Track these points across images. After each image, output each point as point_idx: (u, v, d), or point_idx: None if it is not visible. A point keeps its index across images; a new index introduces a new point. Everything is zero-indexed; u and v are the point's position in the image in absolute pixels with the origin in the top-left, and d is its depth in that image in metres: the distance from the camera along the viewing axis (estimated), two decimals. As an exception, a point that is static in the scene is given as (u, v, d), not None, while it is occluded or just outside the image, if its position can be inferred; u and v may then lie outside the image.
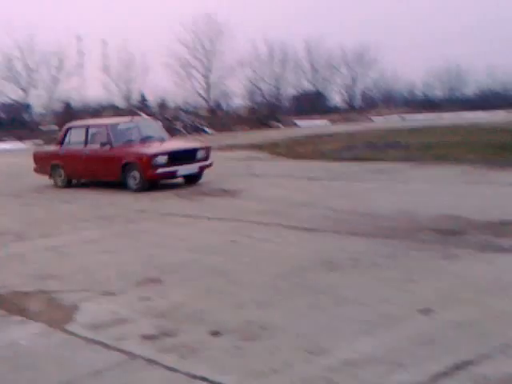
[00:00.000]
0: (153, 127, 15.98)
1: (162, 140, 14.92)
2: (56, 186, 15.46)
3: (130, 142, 14.47)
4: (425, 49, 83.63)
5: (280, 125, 43.35)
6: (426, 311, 5.16)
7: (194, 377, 4.16)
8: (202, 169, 14.29)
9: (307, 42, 59.54)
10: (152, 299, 5.90)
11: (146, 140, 14.68)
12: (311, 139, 26.59)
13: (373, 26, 72.79)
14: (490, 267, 6.41)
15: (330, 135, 28.19)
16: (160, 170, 13.44)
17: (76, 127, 15.87)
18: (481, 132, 24.51)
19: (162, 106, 48.25)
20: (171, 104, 49.31)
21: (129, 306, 5.76)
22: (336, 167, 16.25)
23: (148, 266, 7.10)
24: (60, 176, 15.48)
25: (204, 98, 53.85)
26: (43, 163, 16.00)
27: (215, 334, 4.91)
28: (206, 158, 14.39)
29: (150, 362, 4.45)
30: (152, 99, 50.43)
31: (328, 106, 58.94)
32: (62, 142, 15.69)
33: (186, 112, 44.83)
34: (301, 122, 44.33)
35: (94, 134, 14.84)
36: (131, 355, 4.59)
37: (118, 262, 7.46)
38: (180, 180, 14.37)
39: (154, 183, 13.84)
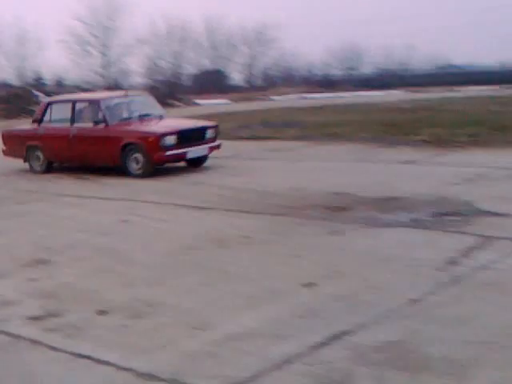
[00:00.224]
0: (149, 103, 13.82)
1: (160, 117, 13.15)
2: (32, 170, 13.38)
3: (127, 120, 12.75)
4: (324, 28, 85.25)
5: (180, 103, 43.02)
6: (309, 285, 5.34)
7: (78, 355, 4.17)
8: (211, 150, 12.75)
9: (207, 20, 59.53)
10: (39, 280, 5.85)
11: (144, 117, 12.86)
12: (210, 118, 26.53)
13: (272, 5, 73.48)
14: (373, 241, 6.68)
15: (229, 114, 28.26)
16: (169, 152, 11.77)
17: (59, 102, 13.81)
18: (374, 111, 25.22)
19: (59, 84, 47.05)
20: (68, 82, 48.19)
21: (15, 287, 5.69)
22: (233, 146, 16.31)
23: (36, 248, 7.01)
24: (38, 159, 13.34)
25: (102, 76, 52.88)
26: (16, 144, 13.74)
27: (102, 312, 4.92)
28: (214, 139, 12.85)
29: (34, 342, 4.43)
30: (48, 77, 49.18)
31: (228, 85, 59.05)
32: (40, 120, 13.45)
33: (84, 90, 43.88)
34: (201, 101, 44.13)
35: (82, 111, 12.93)
36: (15, 337, 4.55)
37: (5, 243, 7.32)
38: (182, 164, 12.79)
39: (158, 168, 12.16)
